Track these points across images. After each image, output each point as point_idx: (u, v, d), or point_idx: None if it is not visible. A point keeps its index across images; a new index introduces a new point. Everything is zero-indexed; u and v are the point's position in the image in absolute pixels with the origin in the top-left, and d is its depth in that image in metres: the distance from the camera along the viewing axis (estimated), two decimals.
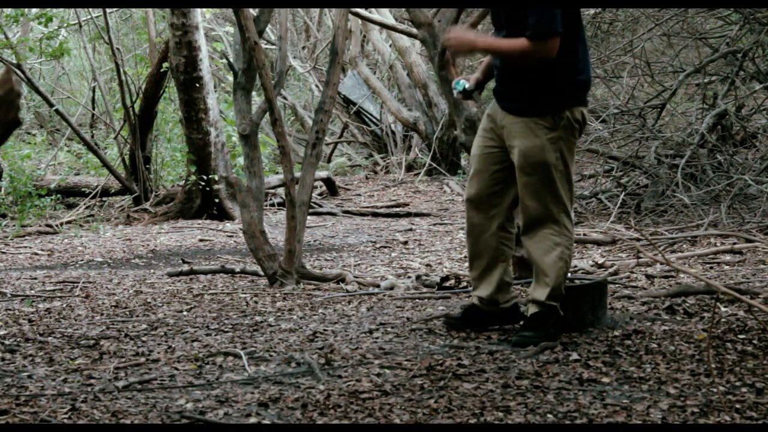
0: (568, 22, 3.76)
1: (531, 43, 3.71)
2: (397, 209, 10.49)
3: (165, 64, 10.29)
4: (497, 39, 3.87)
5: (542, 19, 3.70)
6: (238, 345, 3.96)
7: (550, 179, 3.81)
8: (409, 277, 5.69)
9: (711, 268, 5.63)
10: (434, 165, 12.80)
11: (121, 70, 10.78)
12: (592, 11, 9.60)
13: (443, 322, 4.16)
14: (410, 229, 8.85)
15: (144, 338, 4.20)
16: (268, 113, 5.69)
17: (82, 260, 7.59)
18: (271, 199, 10.86)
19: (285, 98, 15.56)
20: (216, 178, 9.87)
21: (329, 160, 14.77)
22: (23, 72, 10.49)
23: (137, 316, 4.82)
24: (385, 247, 7.76)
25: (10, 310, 5.10)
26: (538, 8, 3.71)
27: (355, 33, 13.79)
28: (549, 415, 2.90)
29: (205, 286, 5.82)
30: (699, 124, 8.31)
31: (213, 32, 15.40)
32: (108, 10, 11.20)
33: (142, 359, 3.75)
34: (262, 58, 5.57)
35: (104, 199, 11.49)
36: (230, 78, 12.38)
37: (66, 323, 4.62)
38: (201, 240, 8.63)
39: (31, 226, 9.77)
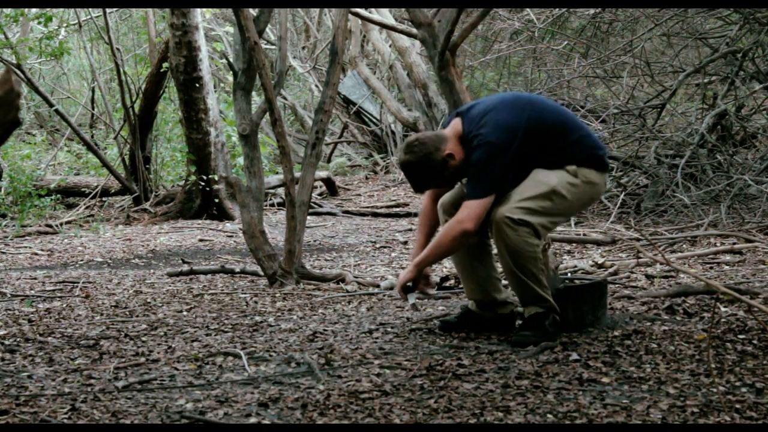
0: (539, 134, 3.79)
1: (464, 213, 3.74)
2: (397, 209, 10.50)
3: (165, 64, 10.30)
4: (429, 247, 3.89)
5: (476, 187, 3.75)
6: (238, 345, 3.96)
7: (547, 198, 3.76)
8: None
9: (711, 268, 5.63)
10: None
11: (121, 70, 10.79)
12: (592, 11, 9.60)
13: (439, 326, 4.13)
14: (410, 229, 8.85)
15: (144, 338, 4.20)
16: (268, 113, 5.69)
17: (82, 260, 7.59)
18: (271, 199, 10.87)
19: (285, 98, 15.57)
20: (216, 178, 9.87)
21: (329, 160, 14.77)
22: (23, 72, 10.49)
23: (137, 316, 4.82)
24: (385, 247, 7.76)
25: (10, 310, 5.10)
26: (473, 178, 3.76)
27: (355, 33, 13.79)
28: (549, 415, 2.90)
29: (205, 286, 5.82)
30: (699, 124, 8.31)
31: (213, 32, 15.40)
32: (108, 10, 11.20)
33: (142, 359, 3.75)
34: (262, 58, 5.57)
35: (104, 199, 11.50)
36: (230, 78, 12.38)
37: (66, 323, 4.62)
38: (201, 240, 8.64)
39: (31, 226, 9.77)
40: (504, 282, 4.13)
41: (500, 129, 3.74)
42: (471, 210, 3.74)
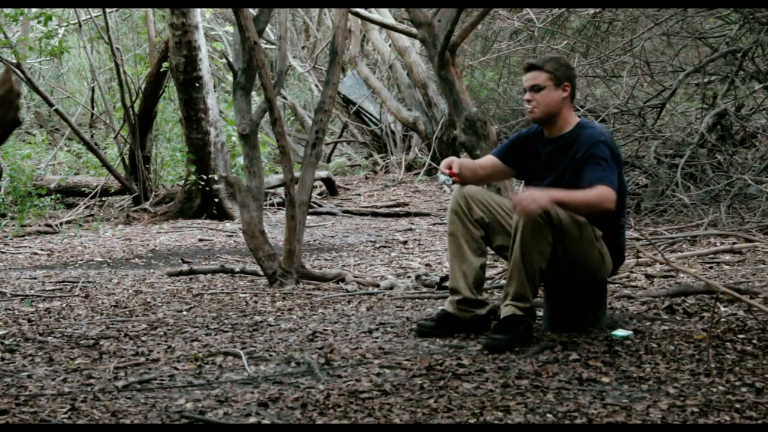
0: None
1: (607, 190, 3.72)
2: (397, 209, 10.49)
3: (165, 64, 10.30)
4: (571, 191, 3.76)
5: (607, 175, 3.77)
6: (238, 345, 3.96)
7: (577, 225, 3.78)
8: (409, 276, 5.69)
9: (711, 268, 5.63)
10: (434, 165, 12.80)
11: (121, 69, 10.79)
12: (591, 11, 9.60)
13: (416, 330, 4.06)
14: (410, 229, 8.85)
15: (144, 338, 4.20)
16: (267, 113, 5.69)
17: (81, 260, 7.59)
18: (270, 199, 10.87)
19: (285, 98, 15.57)
20: (216, 177, 9.87)
21: (329, 160, 14.77)
22: (23, 72, 10.50)
23: (137, 316, 4.82)
24: (384, 246, 7.76)
25: (9, 310, 5.10)
26: (599, 168, 3.78)
27: (355, 33, 13.79)
28: (549, 415, 2.90)
29: (204, 285, 5.82)
30: (699, 123, 8.31)
31: (213, 32, 15.40)
32: (108, 10, 11.20)
33: (142, 359, 3.75)
34: (262, 57, 5.57)
35: (104, 199, 11.50)
36: (230, 78, 12.38)
37: (66, 323, 4.62)
38: (201, 240, 8.64)
39: (30, 226, 9.78)
40: (485, 286, 4.15)
41: (611, 136, 3.95)
42: (613, 193, 3.72)
